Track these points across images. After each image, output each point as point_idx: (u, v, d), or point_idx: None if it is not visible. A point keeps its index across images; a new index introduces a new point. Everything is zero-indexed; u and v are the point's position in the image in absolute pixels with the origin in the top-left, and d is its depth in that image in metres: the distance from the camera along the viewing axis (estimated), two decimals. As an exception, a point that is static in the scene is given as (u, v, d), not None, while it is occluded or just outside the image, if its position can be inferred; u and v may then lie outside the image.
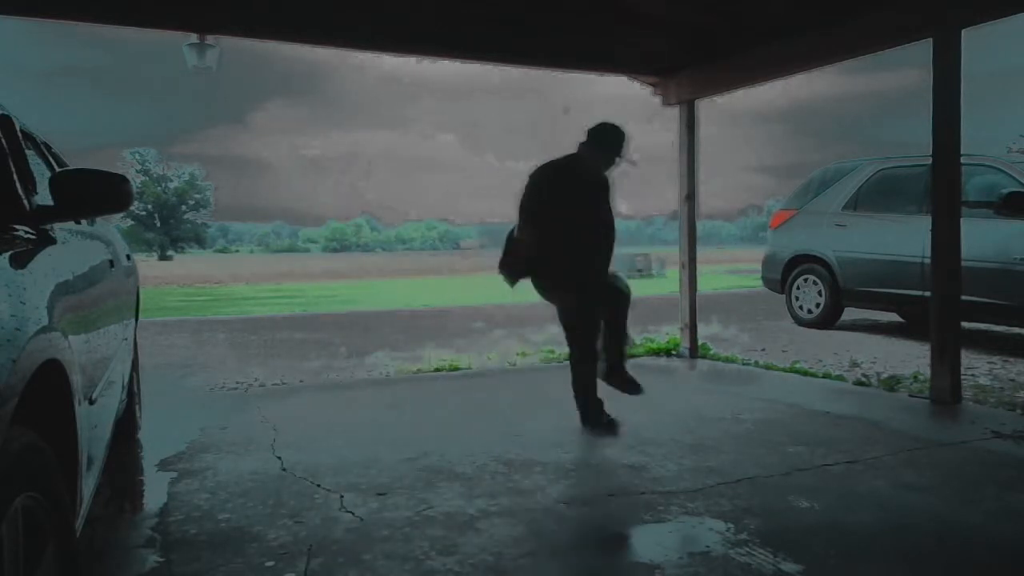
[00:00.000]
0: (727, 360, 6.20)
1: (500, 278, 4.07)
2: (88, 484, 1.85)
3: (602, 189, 4.03)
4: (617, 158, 3.97)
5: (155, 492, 3.05)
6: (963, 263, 4.45)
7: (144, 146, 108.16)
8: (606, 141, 3.97)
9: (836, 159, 10.22)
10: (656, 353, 6.46)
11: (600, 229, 3.99)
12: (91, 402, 1.91)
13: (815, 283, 8.02)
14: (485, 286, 17.96)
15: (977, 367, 5.61)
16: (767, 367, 5.86)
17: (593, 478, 3.14)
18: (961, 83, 4.29)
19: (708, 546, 2.44)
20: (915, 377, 5.22)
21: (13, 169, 1.92)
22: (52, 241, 1.90)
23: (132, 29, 4.80)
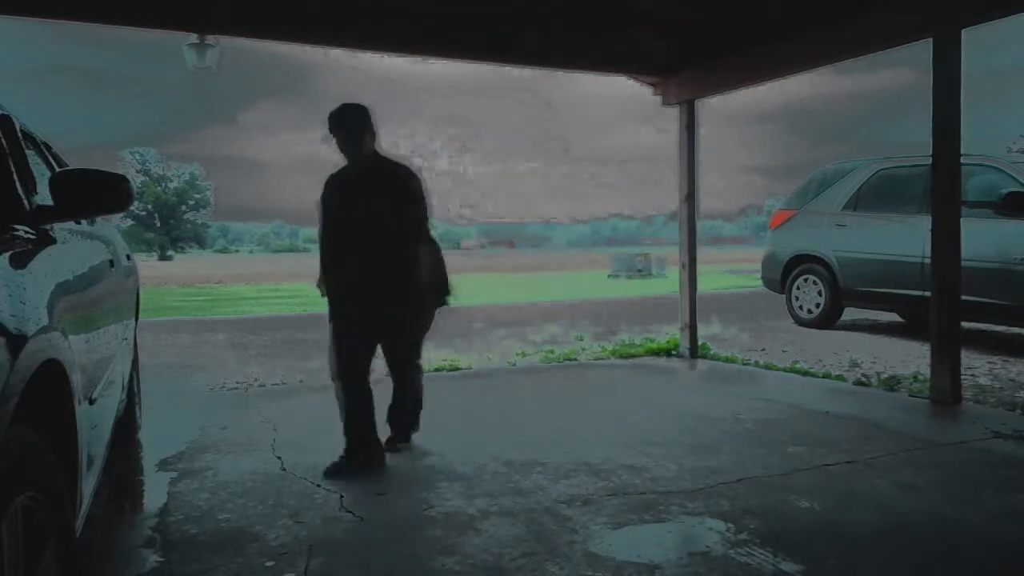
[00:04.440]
0: (727, 360, 6.20)
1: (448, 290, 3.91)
2: (88, 484, 1.85)
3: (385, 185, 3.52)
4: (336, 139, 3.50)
5: (155, 492, 3.05)
6: (963, 263, 4.45)
7: (140, 145, 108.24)
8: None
9: (835, 159, 10.22)
10: (656, 353, 6.45)
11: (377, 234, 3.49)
12: (91, 402, 1.91)
13: (815, 283, 8.02)
14: (485, 286, 17.97)
15: (977, 367, 5.61)
16: (767, 367, 5.86)
17: (593, 478, 3.14)
18: (961, 83, 4.29)
19: (708, 546, 2.44)
20: (915, 377, 5.21)
21: (13, 169, 1.92)
22: (52, 241, 1.90)
23: (131, 29, 4.80)
